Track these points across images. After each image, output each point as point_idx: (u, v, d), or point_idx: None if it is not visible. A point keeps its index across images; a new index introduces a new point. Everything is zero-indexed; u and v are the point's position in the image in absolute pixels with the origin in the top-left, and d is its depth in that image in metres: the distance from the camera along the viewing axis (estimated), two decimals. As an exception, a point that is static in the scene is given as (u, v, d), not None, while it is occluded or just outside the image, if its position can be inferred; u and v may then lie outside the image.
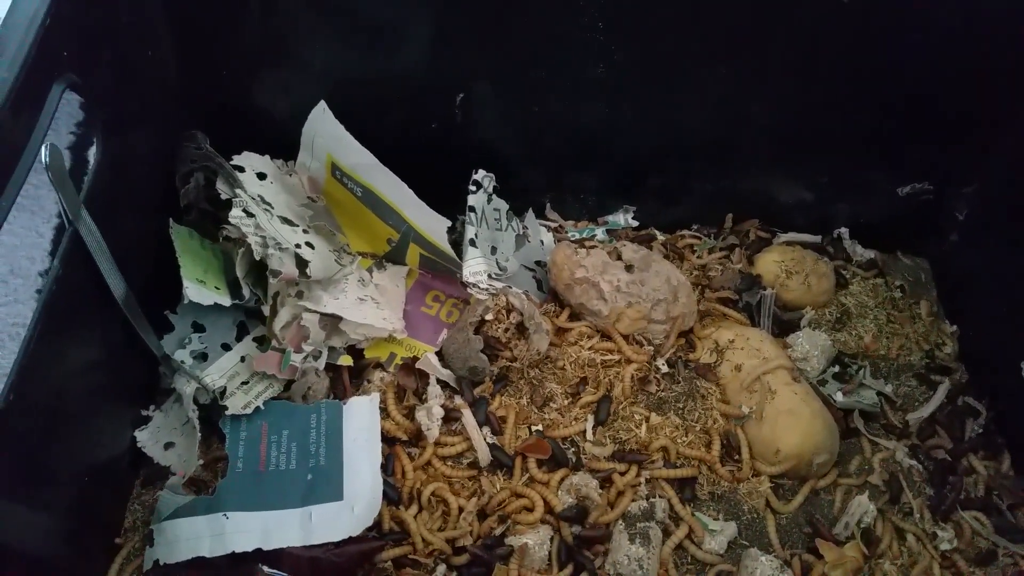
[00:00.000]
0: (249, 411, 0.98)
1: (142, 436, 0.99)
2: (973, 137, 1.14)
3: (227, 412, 0.97)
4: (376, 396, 1.03)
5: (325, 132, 1.06)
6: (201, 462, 0.98)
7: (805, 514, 1.02)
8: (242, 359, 1.04)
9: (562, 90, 1.11)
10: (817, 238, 1.28)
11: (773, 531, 0.99)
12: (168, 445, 1.00)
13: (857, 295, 1.22)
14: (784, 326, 1.17)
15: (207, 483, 0.98)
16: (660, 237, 1.27)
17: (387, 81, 1.09)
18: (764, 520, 1.00)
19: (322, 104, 1.05)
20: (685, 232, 1.28)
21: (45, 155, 0.74)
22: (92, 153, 0.87)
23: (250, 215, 1.00)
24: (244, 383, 1.01)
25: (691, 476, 1.00)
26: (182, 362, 1.01)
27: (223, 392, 0.99)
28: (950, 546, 0.99)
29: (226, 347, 1.05)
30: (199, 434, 0.96)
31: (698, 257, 1.24)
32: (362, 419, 1.01)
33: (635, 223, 1.28)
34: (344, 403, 1.02)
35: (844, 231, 1.28)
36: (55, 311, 0.80)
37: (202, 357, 1.03)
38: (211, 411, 1.00)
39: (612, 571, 0.94)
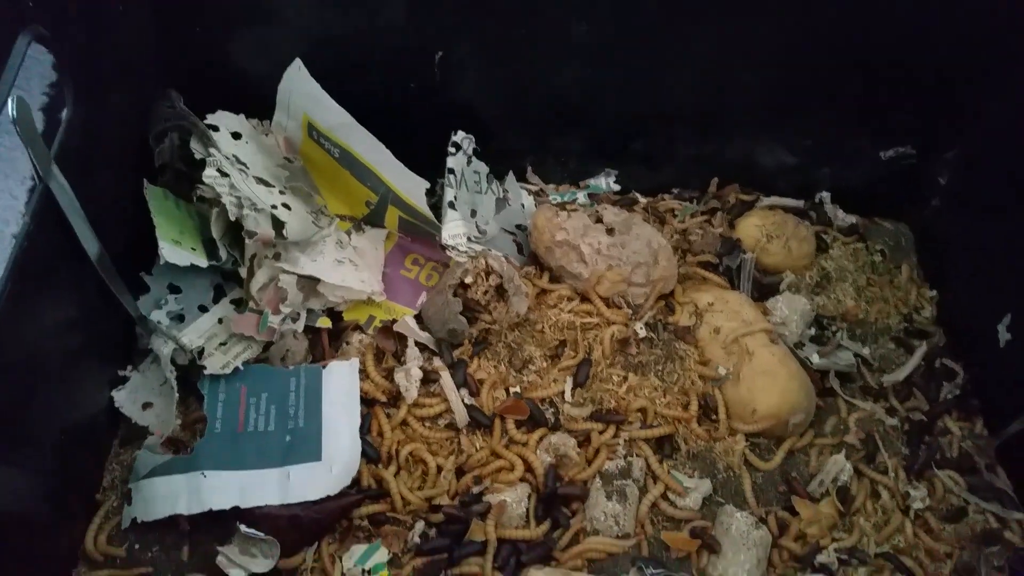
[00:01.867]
0: (228, 371, 0.98)
1: (119, 396, 0.99)
2: (956, 101, 1.14)
3: (205, 371, 0.97)
4: (355, 361, 1.03)
5: (301, 91, 1.05)
6: (179, 422, 0.98)
7: (781, 473, 1.03)
8: (220, 321, 1.03)
9: (543, 50, 1.10)
10: (800, 202, 1.28)
11: (749, 489, 1.00)
12: (146, 405, 0.99)
13: (837, 259, 1.22)
14: (764, 290, 1.17)
15: (186, 444, 0.98)
16: (642, 201, 1.27)
17: (364, 38, 1.07)
18: (740, 478, 1.01)
19: (298, 62, 1.04)
20: (666, 196, 1.28)
21: (12, 108, 0.73)
22: (64, 111, 0.86)
23: (224, 175, 0.99)
24: (222, 344, 1.01)
25: (668, 434, 1.01)
26: (158, 323, 1.00)
27: (201, 352, 0.99)
28: (922, 505, 1.00)
29: (203, 309, 1.05)
30: (177, 394, 0.96)
31: (680, 222, 1.24)
32: (341, 383, 1.01)
33: (617, 187, 1.28)
34: (324, 367, 1.02)
35: (826, 195, 1.28)
36: (27, 267, 0.79)
37: (179, 319, 1.03)
38: (189, 372, 1.00)
39: (589, 527, 0.95)
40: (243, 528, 0.89)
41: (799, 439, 1.05)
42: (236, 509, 0.89)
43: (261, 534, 0.89)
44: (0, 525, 0.79)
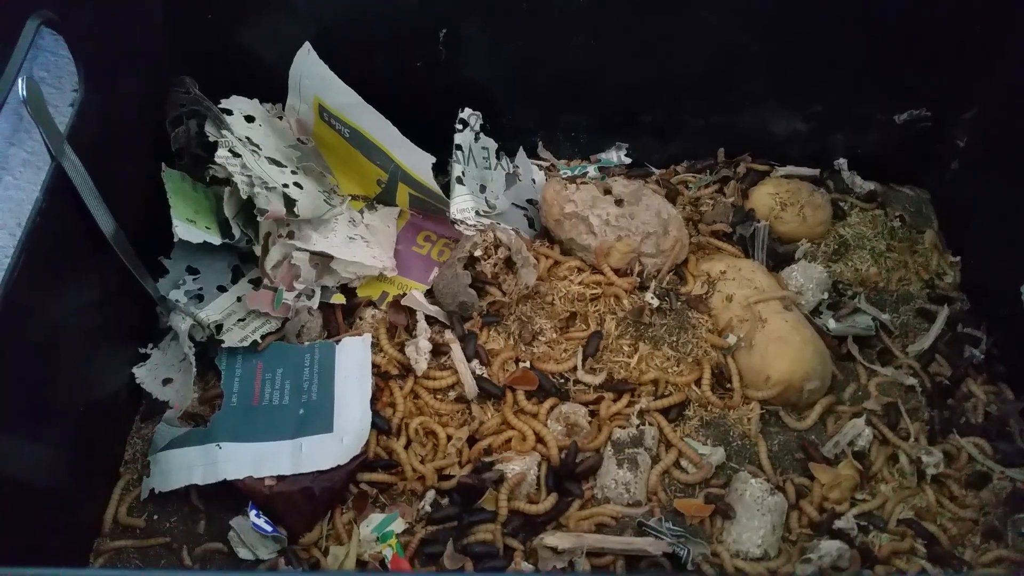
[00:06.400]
0: (246, 344, 1.00)
1: (140, 372, 1.02)
2: (971, 60, 1.11)
3: (224, 345, 0.99)
4: (368, 336, 1.04)
5: (311, 73, 1.07)
6: (197, 396, 1.00)
7: (796, 439, 1.01)
8: (238, 299, 1.06)
9: (547, 24, 1.10)
10: (815, 171, 1.26)
11: (765, 456, 0.99)
12: (166, 381, 1.02)
13: (855, 226, 1.20)
14: (780, 259, 1.15)
15: (204, 418, 1.00)
16: (655, 173, 1.26)
17: (371, 19, 1.09)
18: (755, 446, 0.99)
19: (307, 45, 1.06)
20: (679, 168, 1.27)
21: (22, 88, 0.76)
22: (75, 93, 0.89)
23: (236, 155, 1.01)
24: (240, 320, 1.03)
25: (681, 402, 1.00)
26: (177, 301, 1.03)
27: (219, 327, 1.01)
28: (935, 470, 0.97)
29: (222, 289, 1.07)
30: (194, 369, 0.98)
31: (693, 193, 1.23)
32: (354, 357, 1.02)
33: (628, 160, 1.27)
34: (337, 342, 1.04)
35: (843, 162, 1.26)
36: (40, 243, 0.81)
37: (198, 298, 1.05)
38: (207, 348, 1.02)
39: (600, 495, 0.95)
40: (252, 518, 0.90)
41: (833, 400, 1.03)
42: (250, 492, 0.91)
43: (269, 528, 0.90)
44: (26, 497, 0.82)
